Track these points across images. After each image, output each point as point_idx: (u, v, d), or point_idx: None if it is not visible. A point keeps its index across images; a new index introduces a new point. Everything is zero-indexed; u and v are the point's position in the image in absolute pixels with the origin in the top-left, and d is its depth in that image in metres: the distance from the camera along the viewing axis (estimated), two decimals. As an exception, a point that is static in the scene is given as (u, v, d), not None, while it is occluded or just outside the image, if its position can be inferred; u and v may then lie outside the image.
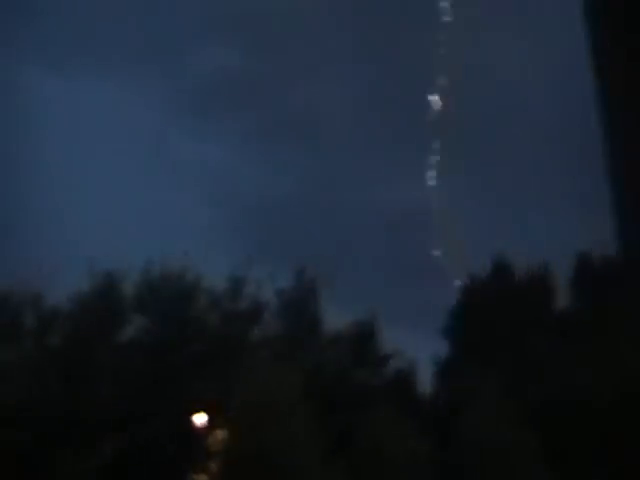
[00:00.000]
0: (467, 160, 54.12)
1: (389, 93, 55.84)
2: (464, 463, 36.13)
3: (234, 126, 60.13)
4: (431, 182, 55.09)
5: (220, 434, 37.42)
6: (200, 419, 37.17)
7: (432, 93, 53.09)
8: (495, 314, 43.67)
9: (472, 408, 36.64)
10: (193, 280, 42.31)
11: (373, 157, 56.81)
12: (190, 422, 37.78)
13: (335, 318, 43.68)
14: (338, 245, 51.44)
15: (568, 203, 43.48)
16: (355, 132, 57.57)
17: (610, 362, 34.58)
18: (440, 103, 52.77)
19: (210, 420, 37.53)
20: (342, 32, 58.94)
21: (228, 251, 46.66)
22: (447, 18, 53.08)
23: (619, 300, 39.23)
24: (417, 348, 44.65)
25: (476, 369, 41.37)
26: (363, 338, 43.90)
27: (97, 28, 52.96)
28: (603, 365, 34.84)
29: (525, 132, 49.93)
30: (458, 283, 45.58)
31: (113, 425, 38.73)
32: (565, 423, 38.06)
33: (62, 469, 35.25)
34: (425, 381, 45.09)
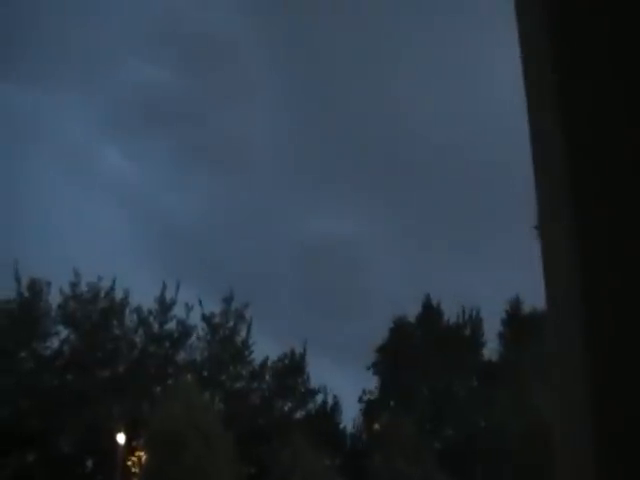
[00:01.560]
0: (396, 197, 54.55)
1: (317, 125, 56.02)
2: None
3: (160, 145, 59.67)
4: (359, 216, 55.47)
5: (139, 454, 36.90)
6: (120, 438, 36.58)
7: (362, 129, 53.53)
8: (422, 355, 43.98)
9: (389, 445, 36.82)
10: (122, 297, 41.89)
11: (299, 188, 56.79)
12: (109, 440, 37.13)
13: (264, 346, 43.55)
14: (262, 275, 51.21)
15: (501, 250, 44.07)
16: (280, 163, 57.62)
17: (523, 407, 35.26)
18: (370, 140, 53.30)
19: (130, 440, 36.97)
20: (275, 62, 59.10)
21: (150, 271, 46.17)
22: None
23: (543, 348, 40.12)
24: (343, 381, 44.71)
25: (399, 407, 41.65)
26: (292, 369, 43.80)
27: (33, 36, 52.07)
28: (516, 409, 35.52)
29: (458, 175, 50.56)
30: (387, 320, 45.71)
31: (28, 437, 37.87)
32: (475, 461, 38.98)
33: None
34: (349, 416, 45.10)
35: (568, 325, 1.38)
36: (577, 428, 1.37)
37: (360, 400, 45.25)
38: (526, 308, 44.30)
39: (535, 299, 37.79)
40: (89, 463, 40.52)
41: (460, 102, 54.25)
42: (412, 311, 46.35)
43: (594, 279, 1.35)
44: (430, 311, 46.29)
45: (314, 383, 44.30)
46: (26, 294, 40.67)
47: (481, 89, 50.46)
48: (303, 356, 44.02)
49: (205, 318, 42.81)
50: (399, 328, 46.08)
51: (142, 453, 36.44)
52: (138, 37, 61.75)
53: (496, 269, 44.72)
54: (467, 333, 46.02)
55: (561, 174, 1.41)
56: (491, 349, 45.73)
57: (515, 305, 45.24)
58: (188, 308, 42.40)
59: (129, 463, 37.32)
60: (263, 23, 58.93)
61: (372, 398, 45.53)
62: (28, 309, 40.29)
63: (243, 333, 43.32)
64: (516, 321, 44.28)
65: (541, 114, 1.50)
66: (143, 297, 42.12)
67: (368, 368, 45.56)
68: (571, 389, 1.40)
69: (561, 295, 1.43)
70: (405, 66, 55.47)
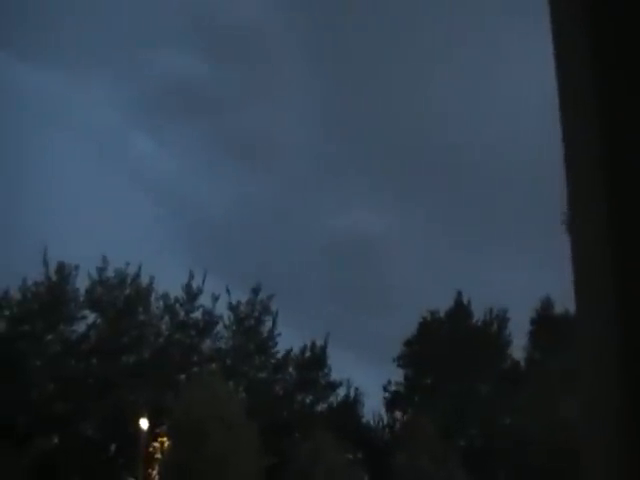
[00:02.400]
0: (426, 194, 54.36)
1: (348, 121, 55.88)
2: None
3: (191, 134, 59.92)
4: (390, 212, 55.36)
5: (162, 441, 37.16)
6: (143, 424, 36.84)
7: (392, 126, 53.37)
8: (449, 352, 43.89)
9: (412, 441, 36.75)
10: (148, 283, 42.11)
11: (328, 182, 56.79)
12: (132, 426, 37.42)
13: (288, 338, 43.63)
14: (291, 267, 51.26)
15: (533, 250, 43.79)
16: (310, 156, 57.62)
17: (549, 412, 35.02)
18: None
19: (153, 426, 37.22)
20: (308, 58, 59.12)
21: (177, 259, 46.37)
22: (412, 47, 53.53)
23: (572, 351, 39.86)
24: (366, 376, 44.64)
25: (423, 403, 41.62)
26: (314, 362, 43.84)
27: (65, 22, 52.32)
28: (541, 414, 35.26)
29: (490, 172, 50.25)
30: (412, 317, 45.61)
31: (53, 421, 38.27)
32: (498, 461, 38.79)
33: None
34: (371, 411, 45.04)
35: (600, 327, 1.31)
36: (609, 432, 1.30)
37: (385, 390, 45.21)
38: (557, 309, 44.04)
39: (566, 300, 37.61)
40: (112, 448, 40.84)
41: (492, 101, 53.95)
42: (439, 308, 46.22)
43: (627, 280, 1.27)
44: (460, 308, 46.15)
45: (337, 376, 44.35)
46: (54, 278, 41.00)
47: (513, 88, 50.02)
48: (324, 349, 44.02)
49: (231, 307, 42.97)
50: (427, 323, 46.00)
51: (165, 439, 36.70)
52: (172, 25, 61.97)
53: (527, 268, 44.43)
54: (494, 332, 45.82)
55: (594, 174, 1.35)
56: (518, 349, 45.51)
57: (545, 305, 44.93)
58: (214, 297, 42.60)
59: (151, 449, 37.58)
60: (297, 18, 59.05)
61: (397, 390, 45.47)
62: (56, 293, 40.61)
63: (268, 324, 43.47)
64: (545, 322, 44.00)
65: (574, 114, 1.44)
66: (170, 285, 42.38)
67: (394, 360, 45.48)
68: (603, 392, 1.33)
69: (592, 297, 1.37)
70: (437, 65, 55.29)
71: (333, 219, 57.39)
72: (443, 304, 46.15)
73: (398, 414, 44.57)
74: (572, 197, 1.46)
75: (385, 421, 45.08)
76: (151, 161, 60.67)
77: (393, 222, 56.21)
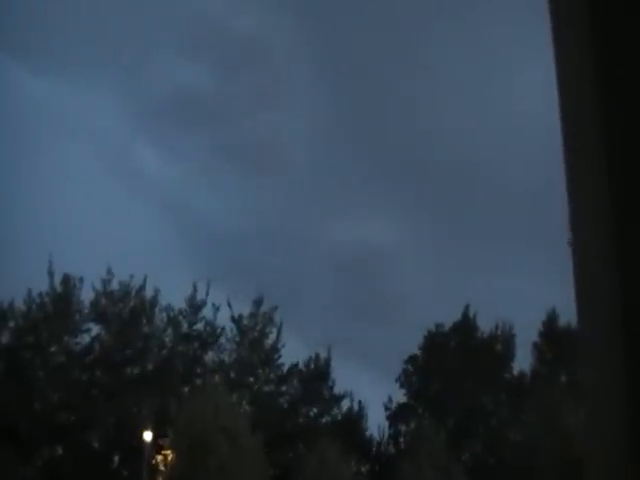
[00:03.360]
0: (432, 207, 54.25)
1: (353, 130, 55.82)
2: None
3: (194, 145, 59.86)
4: (397, 224, 55.26)
5: (166, 453, 37.08)
6: (147, 436, 36.78)
7: (399, 135, 53.31)
8: (454, 367, 43.76)
9: (416, 454, 36.65)
10: (152, 295, 42.14)
11: (332, 193, 56.59)
12: (136, 438, 37.37)
13: (291, 350, 43.54)
14: (294, 279, 51.18)
15: (538, 265, 43.68)
16: (314, 167, 57.51)
17: (554, 425, 34.91)
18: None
19: (156, 438, 37.15)
20: (311, 65, 59.14)
21: (180, 271, 46.30)
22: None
23: (577, 366, 39.68)
24: (371, 388, 44.49)
25: (427, 417, 41.46)
26: (318, 374, 43.74)
27: (70, 29, 52.42)
28: (546, 427, 35.15)
29: (496, 187, 50.20)
30: (417, 330, 45.42)
31: (58, 431, 38.26)
32: (502, 476, 38.71)
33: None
34: (374, 424, 44.87)
35: (604, 343, 1.32)
36: (614, 444, 1.30)
37: (386, 408, 45.00)
38: (561, 323, 43.86)
39: (570, 314, 37.46)
40: (116, 459, 40.78)
41: (502, 115, 53.87)
42: (444, 321, 46.09)
43: (633, 295, 1.28)
44: (465, 322, 45.99)
45: (341, 389, 44.23)
46: (59, 289, 41.05)
47: (523, 104, 49.93)
48: (328, 361, 43.94)
49: (234, 320, 42.92)
50: (432, 337, 45.85)
51: (168, 452, 36.62)
52: (178, 33, 61.98)
53: (532, 284, 44.24)
54: (499, 348, 45.65)
55: (599, 190, 1.35)
56: (523, 364, 45.33)
57: (551, 320, 44.73)
58: (215, 308, 42.55)
59: (154, 461, 37.48)
60: (299, 25, 59.15)
61: (400, 404, 45.27)
62: (61, 304, 40.66)
63: (272, 336, 43.41)
64: (550, 336, 43.87)
65: (577, 125, 1.44)
66: (173, 297, 42.36)
67: (396, 380, 45.32)
68: (609, 405, 1.33)
69: (595, 311, 1.37)
70: (446, 70, 55.29)
71: (338, 231, 57.32)
72: (449, 317, 46.05)
73: (402, 427, 44.33)
74: (574, 215, 1.46)
75: (389, 434, 44.86)
76: (155, 172, 60.76)
77: (399, 234, 56.15)
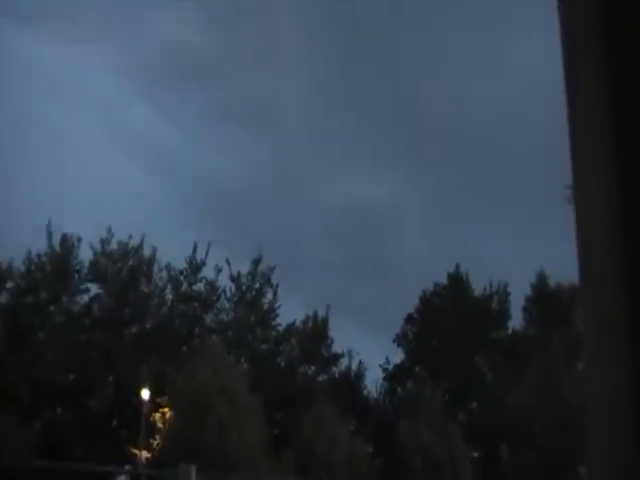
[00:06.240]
0: (430, 165, 54.03)
1: (352, 88, 55.29)
2: (400, 471, 36.34)
3: (191, 104, 59.19)
4: (393, 183, 55.09)
5: (163, 411, 37.30)
6: (144, 394, 36.99)
7: (398, 94, 52.93)
8: (449, 326, 43.92)
9: (413, 414, 36.91)
10: (150, 255, 42.12)
11: (331, 152, 56.16)
12: (135, 397, 37.59)
13: (289, 310, 43.66)
14: (293, 239, 51.01)
15: (535, 223, 43.60)
16: (313, 126, 56.91)
17: (547, 386, 35.12)
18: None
19: (155, 396, 37.36)
20: (310, 22, 58.40)
21: (180, 231, 46.19)
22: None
23: (571, 325, 39.88)
24: (369, 348, 44.65)
25: (424, 376, 41.71)
26: (316, 333, 43.90)
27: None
28: (543, 390, 35.33)
29: (494, 146, 49.89)
30: (414, 288, 45.43)
31: (57, 392, 38.44)
32: (499, 436, 38.91)
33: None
34: (373, 384, 45.15)
35: (607, 306, 1.31)
36: (616, 412, 1.32)
37: (384, 369, 45.25)
38: (551, 283, 43.82)
39: (564, 274, 37.53)
40: (115, 418, 41.03)
41: (498, 75, 53.52)
42: (441, 280, 46.18)
43: (635, 254, 1.29)
44: (458, 282, 46.02)
45: (338, 348, 44.41)
46: (58, 250, 41.04)
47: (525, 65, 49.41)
48: (326, 321, 44.06)
49: (233, 279, 43.02)
50: (427, 298, 45.95)
51: (166, 410, 36.83)
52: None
53: (528, 242, 44.20)
54: (494, 307, 45.76)
55: (601, 141, 1.35)
56: (517, 323, 45.48)
57: (541, 280, 44.59)
58: (217, 269, 42.64)
59: (152, 419, 37.67)
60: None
61: (397, 364, 45.50)
62: (60, 264, 40.67)
63: (269, 296, 43.53)
64: (542, 296, 43.88)
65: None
66: (174, 257, 42.36)
67: (393, 341, 45.51)
68: (610, 374, 1.34)
69: (598, 273, 1.37)
70: (440, 35, 54.78)
71: (334, 190, 57.14)
72: (444, 276, 46.11)
73: (399, 387, 44.63)
74: (577, 172, 1.46)
75: (386, 394, 45.13)
76: (152, 130, 60.18)
77: (395, 193, 56.02)
